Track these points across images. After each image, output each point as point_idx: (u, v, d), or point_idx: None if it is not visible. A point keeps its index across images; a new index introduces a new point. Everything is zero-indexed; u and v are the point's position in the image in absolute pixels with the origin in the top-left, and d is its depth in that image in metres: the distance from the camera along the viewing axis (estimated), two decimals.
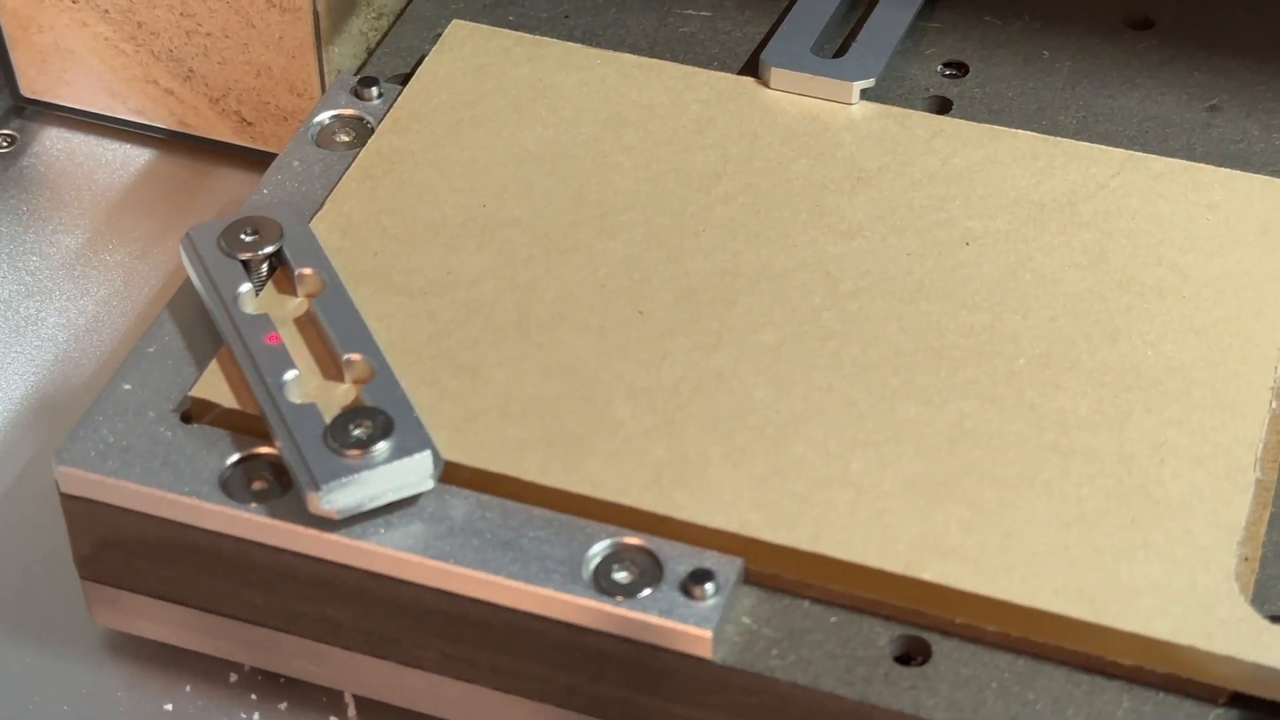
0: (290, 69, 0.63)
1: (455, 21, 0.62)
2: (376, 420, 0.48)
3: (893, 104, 0.60)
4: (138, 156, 0.67)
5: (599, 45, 0.62)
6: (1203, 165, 0.56)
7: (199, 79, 0.64)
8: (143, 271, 0.63)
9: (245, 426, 0.50)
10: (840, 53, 0.61)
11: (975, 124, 0.58)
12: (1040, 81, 0.61)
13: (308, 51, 0.63)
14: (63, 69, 0.66)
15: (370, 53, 0.64)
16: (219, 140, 0.66)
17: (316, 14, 0.62)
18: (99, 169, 0.66)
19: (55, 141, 0.68)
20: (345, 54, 0.64)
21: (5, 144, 0.67)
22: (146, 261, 0.63)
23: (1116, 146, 0.58)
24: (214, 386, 0.50)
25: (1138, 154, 0.57)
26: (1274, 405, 0.50)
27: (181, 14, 0.63)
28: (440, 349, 0.51)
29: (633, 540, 0.48)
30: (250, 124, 0.65)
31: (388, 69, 0.62)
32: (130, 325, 0.61)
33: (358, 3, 0.64)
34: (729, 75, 0.60)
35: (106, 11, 0.64)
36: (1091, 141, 0.59)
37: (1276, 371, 0.51)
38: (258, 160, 0.66)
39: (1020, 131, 0.58)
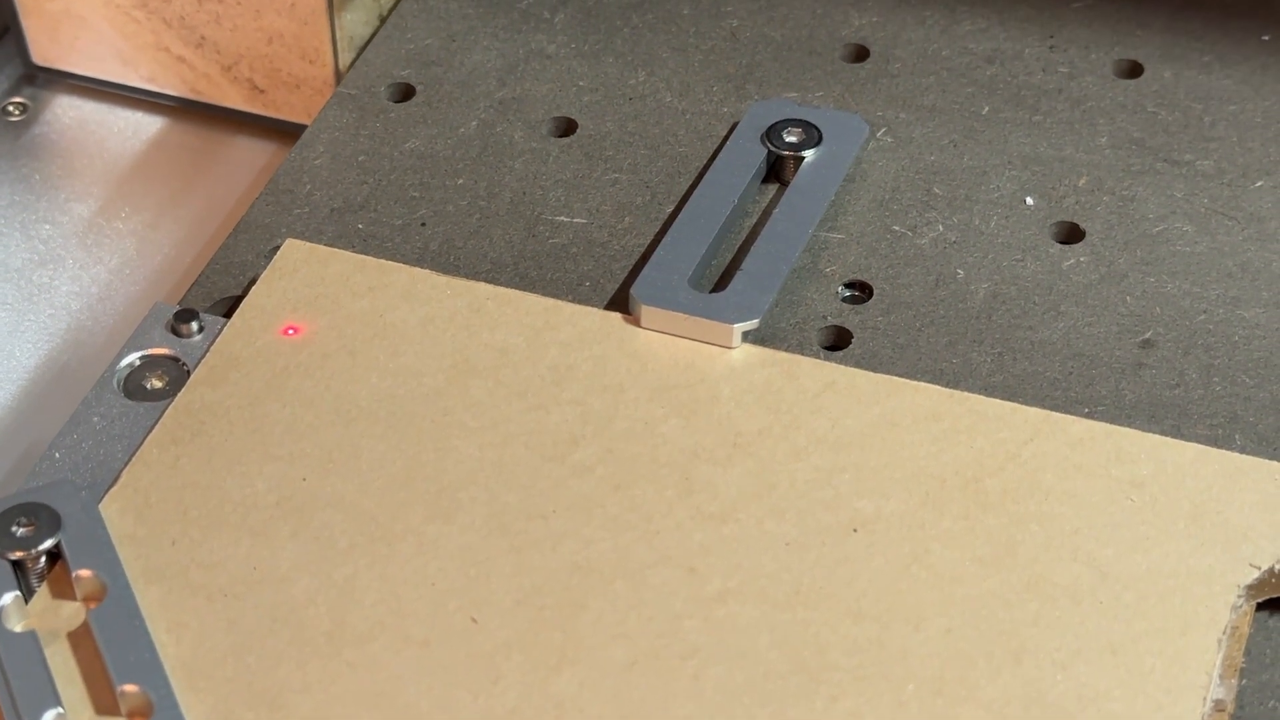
0: (302, 35, 0.62)
1: (289, 241, 0.54)
2: None
3: (784, 333, 0.53)
4: (149, 124, 0.66)
5: (458, 257, 0.55)
6: (1128, 431, 0.49)
7: (210, 46, 0.64)
8: (155, 239, 0.62)
9: None
10: (723, 283, 0.54)
11: (871, 374, 0.51)
12: (953, 308, 0.54)
13: (320, 18, 0.61)
14: (74, 36, 0.65)
15: (361, 49, 0.62)
16: (231, 108, 0.65)
17: None
18: (111, 137, 0.66)
19: (67, 109, 0.67)
20: (357, 20, 0.62)
21: (17, 112, 0.67)
22: (158, 229, 0.62)
23: (1037, 387, 0.52)
24: None
25: (1054, 415, 0.50)
26: None
27: None
28: (237, 670, 0.44)
29: None
30: (262, 91, 0.64)
31: (216, 290, 0.55)
32: (142, 293, 0.60)
33: None
34: (594, 311, 0.52)
35: None
36: (1009, 383, 0.52)
37: (1205, 704, 0.44)
38: (269, 128, 0.65)
39: (921, 385, 0.51)
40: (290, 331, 0.51)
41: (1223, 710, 0.44)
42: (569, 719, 0.43)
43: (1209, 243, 0.56)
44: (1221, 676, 0.45)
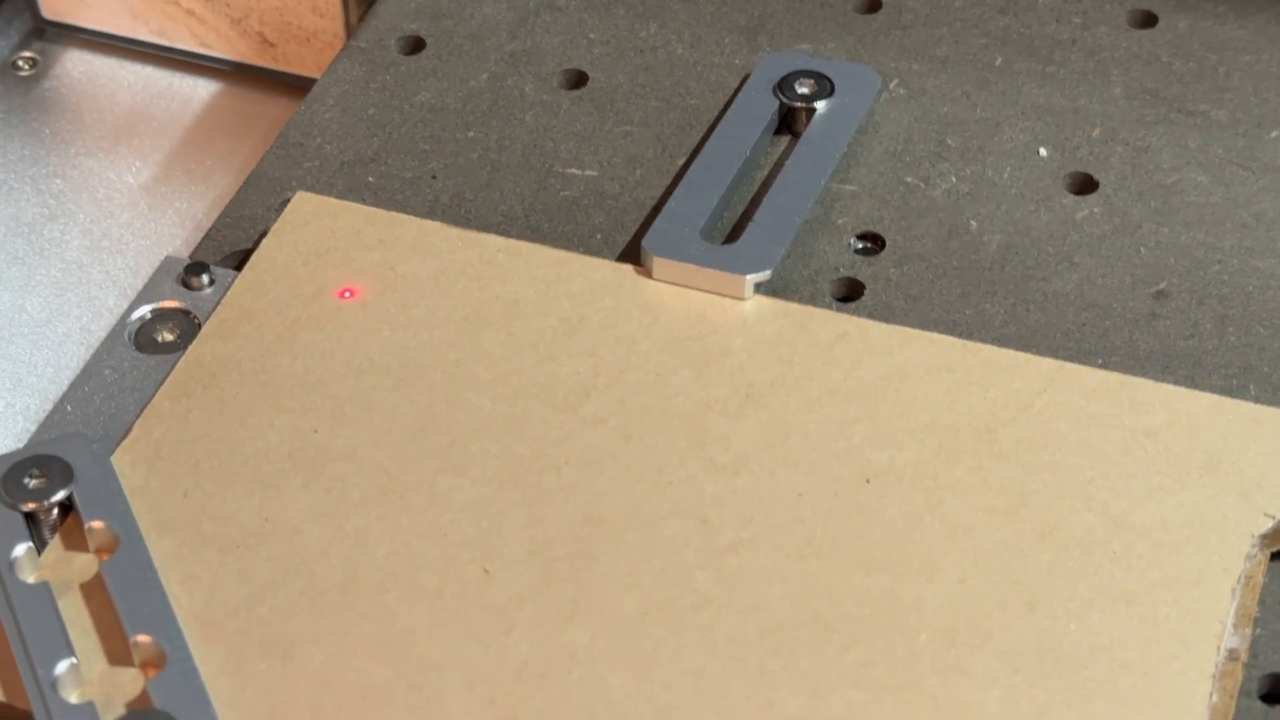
0: None
1: (300, 194, 0.54)
2: None
3: (797, 285, 0.53)
4: (159, 79, 0.67)
5: (469, 210, 0.55)
6: (1142, 381, 0.49)
7: (220, 0, 0.64)
8: (165, 194, 0.62)
9: None
10: (735, 234, 0.53)
11: (884, 325, 0.51)
12: (966, 259, 0.54)
13: None
14: None
15: (372, 2, 0.61)
16: (240, 62, 0.66)
17: None
18: (120, 91, 0.67)
19: (77, 64, 0.68)
20: None
21: (27, 67, 0.68)
22: (169, 184, 0.62)
23: (1050, 339, 0.51)
24: None
25: (1068, 365, 0.50)
26: (1214, 697, 0.43)
27: None
28: (249, 621, 0.44)
29: None
30: (272, 45, 0.64)
31: (226, 243, 0.55)
32: (152, 247, 0.60)
33: None
34: (606, 263, 0.52)
35: None
36: (1022, 334, 0.51)
37: (1219, 653, 0.44)
38: (279, 82, 0.65)
39: (934, 336, 0.50)
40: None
41: (1237, 659, 0.44)
42: (582, 669, 0.43)
43: (1223, 193, 0.56)
44: (1235, 625, 0.44)
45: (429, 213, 0.55)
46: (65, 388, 0.51)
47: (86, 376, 0.50)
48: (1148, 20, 0.61)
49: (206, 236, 0.55)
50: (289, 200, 0.55)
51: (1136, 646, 0.44)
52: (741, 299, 0.51)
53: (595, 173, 0.56)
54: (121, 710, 0.42)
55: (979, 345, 0.50)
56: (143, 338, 0.51)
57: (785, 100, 0.57)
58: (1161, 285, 0.53)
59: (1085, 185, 0.56)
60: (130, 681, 0.43)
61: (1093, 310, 0.52)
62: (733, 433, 0.48)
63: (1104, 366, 0.50)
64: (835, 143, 0.56)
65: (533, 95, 0.59)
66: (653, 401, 0.49)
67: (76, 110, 0.65)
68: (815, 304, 0.52)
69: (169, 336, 0.51)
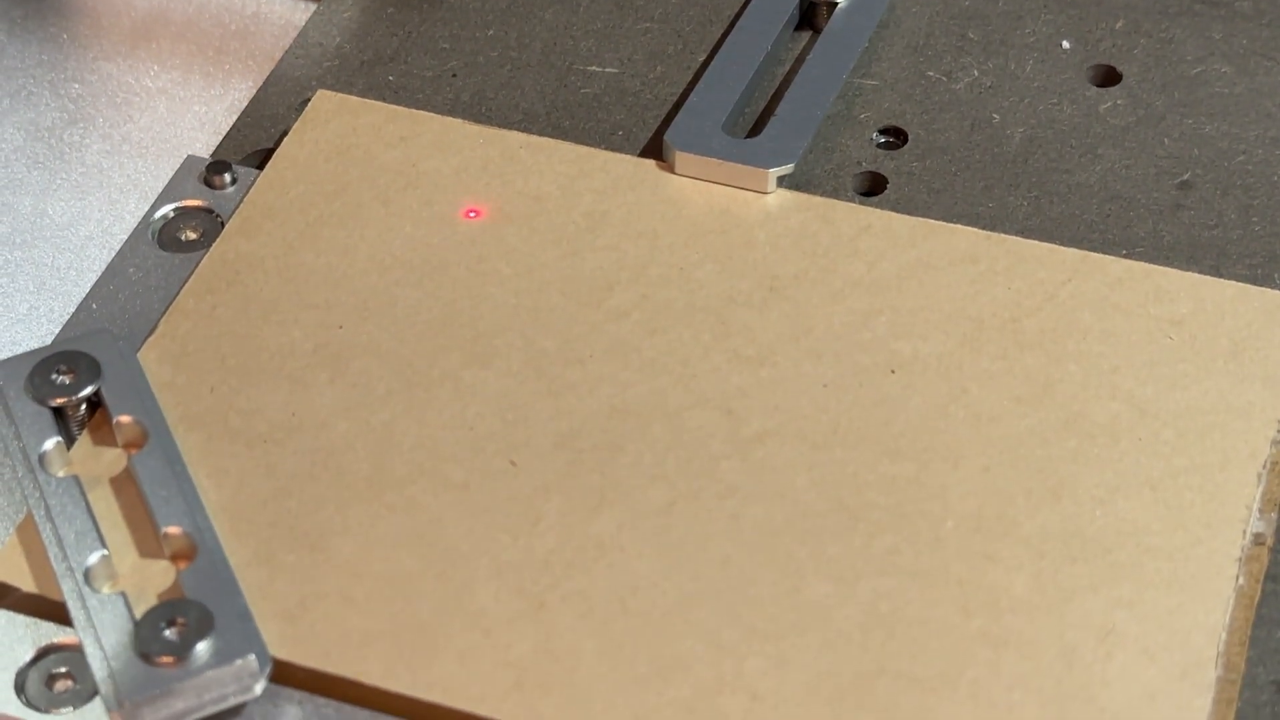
0: None
1: (320, 92, 0.54)
2: (192, 616, 0.41)
3: (819, 180, 0.53)
4: None
5: (490, 108, 0.55)
6: (1167, 270, 0.49)
7: None
8: (184, 97, 0.61)
9: (50, 612, 0.43)
10: (757, 129, 0.53)
11: (908, 218, 0.51)
12: (989, 152, 0.54)
13: None
14: None
15: None
16: None
17: None
18: None
19: None
20: None
21: None
22: (188, 87, 0.61)
23: (1074, 230, 0.51)
24: (12, 565, 0.44)
25: (1093, 255, 0.49)
26: (1240, 580, 0.43)
27: None
28: (278, 513, 0.45)
29: None
30: None
31: (247, 143, 0.55)
32: (173, 150, 0.59)
33: None
34: (628, 158, 0.52)
35: None
36: (1045, 226, 0.51)
37: (1245, 537, 0.44)
38: None
39: (958, 227, 0.50)
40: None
41: (1262, 544, 0.44)
42: (609, 559, 0.44)
43: (1248, 84, 0.55)
44: (1261, 510, 0.44)
45: (450, 111, 0.55)
46: (88, 290, 0.51)
47: (111, 275, 0.50)
48: None
49: (227, 136, 0.55)
50: (309, 99, 0.55)
51: (1162, 531, 0.44)
52: (765, 192, 0.51)
53: (616, 69, 0.56)
54: (154, 601, 0.42)
55: (1003, 236, 0.50)
56: (166, 236, 0.51)
57: None
58: (1186, 176, 0.53)
59: (1108, 77, 0.56)
60: (161, 573, 0.43)
61: (1117, 202, 0.52)
62: (757, 325, 0.48)
63: (1129, 258, 0.50)
64: (856, 37, 0.56)
65: None
66: (677, 295, 0.49)
67: (94, 15, 0.65)
68: (838, 199, 0.52)
69: (192, 235, 0.51)
